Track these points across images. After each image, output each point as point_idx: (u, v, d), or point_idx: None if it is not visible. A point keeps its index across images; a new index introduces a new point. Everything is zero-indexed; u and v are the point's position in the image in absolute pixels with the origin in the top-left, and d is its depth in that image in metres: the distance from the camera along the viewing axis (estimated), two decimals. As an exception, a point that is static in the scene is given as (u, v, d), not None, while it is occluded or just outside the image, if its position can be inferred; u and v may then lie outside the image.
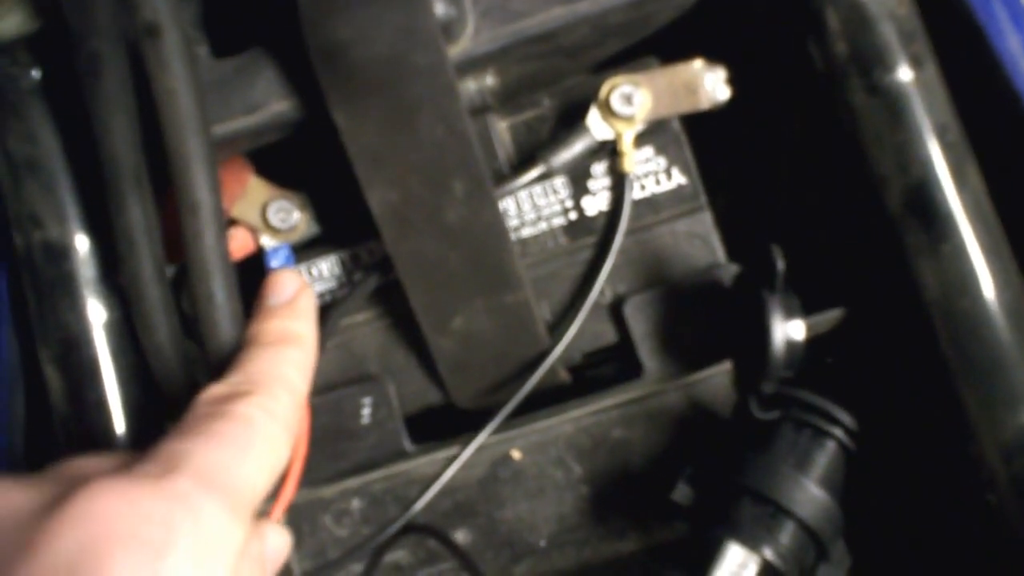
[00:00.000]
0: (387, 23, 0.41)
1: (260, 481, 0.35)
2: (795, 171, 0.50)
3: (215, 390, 0.37)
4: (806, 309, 0.43)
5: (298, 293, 0.42)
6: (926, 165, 0.42)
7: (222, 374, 0.39)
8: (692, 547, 0.42)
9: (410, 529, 0.48)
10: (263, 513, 0.39)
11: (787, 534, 0.41)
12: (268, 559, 0.38)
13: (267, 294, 0.42)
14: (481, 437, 0.47)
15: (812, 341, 0.43)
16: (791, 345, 0.42)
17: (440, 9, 0.41)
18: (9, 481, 0.32)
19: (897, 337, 0.44)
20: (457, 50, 0.43)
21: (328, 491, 0.49)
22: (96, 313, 0.45)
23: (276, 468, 0.36)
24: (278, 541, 0.39)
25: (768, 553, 0.40)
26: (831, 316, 0.45)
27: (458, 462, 0.47)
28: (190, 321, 0.47)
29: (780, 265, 0.41)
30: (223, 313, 0.41)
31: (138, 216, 0.41)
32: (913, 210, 0.42)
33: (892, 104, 0.42)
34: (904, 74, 0.42)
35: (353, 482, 0.49)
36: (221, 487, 0.33)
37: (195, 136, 0.39)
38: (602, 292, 0.48)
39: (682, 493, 0.43)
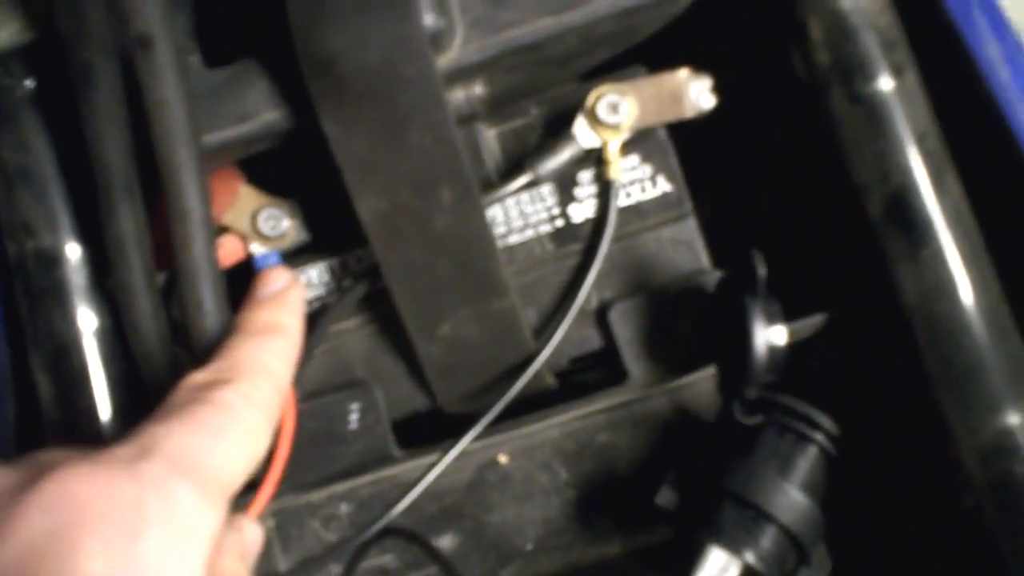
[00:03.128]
0: (376, 34, 0.41)
1: (237, 468, 0.35)
2: (779, 178, 0.51)
3: (196, 377, 0.37)
4: (789, 314, 0.43)
5: (287, 287, 0.42)
6: (906, 173, 0.42)
7: (205, 362, 0.38)
8: (675, 550, 0.42)
9: (389, 532, 0.48)
10: (242, 508, 0.39)
11: (768, 538, 0.41)
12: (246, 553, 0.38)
13: (257, 286, 0.42)
14: (465, 441, 0.47)
15: (795, 346, 0.43)
16: (773, 350, 0.43)
17: (429, 20, 0.42)
18: None
19: (878, 342, 0.44)
20: (446, 60, 0.43)
21: (316, 496, 0.49)
22: (87, 321, 0.46)
23: (254, 456, 0.36)
24: (253, 535, 0.39)
25: (749, 557, 0.41)
26: (813, 321, 0.45)
27: (441, 465, 0.47)
28: (180, 328, 0.47)
29: (761, 271, 0.41)
30: (212, 320, 0.41)
31: (129, 225, 0.42)
32: (893, 217, 0.42)
33: (873, 112, 0.43)
34: (885, 83, 0.43)
35: (340, 487, 0.49)
36: (195, 472, 0.33)
37: (185, 146, 0.40)
38: (588, 298, 0.48)
39: (665, 497, 0.44)
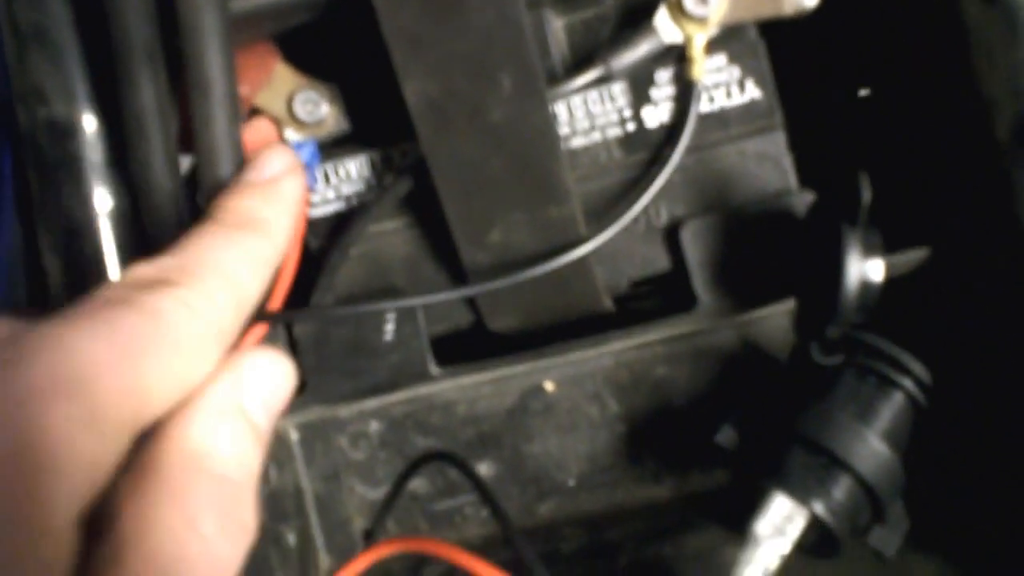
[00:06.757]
0: None
1: (150, 393, 0.27)
2: (884, 90, 0.46)
3: (137, 272, 0.29)
4: (886, 246, 0.39)
5: (282, 174, 0.35)
6: (1043, 89, 0.37)
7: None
8: (733, 496, 0.39)
9: (430, 457, 0.45)
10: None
11: (841, 489, 0.38)
12: (256, 400, 0.30)
13: (247, 168, 0.36)
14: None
15: (890, 283, 0.39)
16: (866, 287, 0.38)
17: None
18: None
19: (991, 283, 0.40)
20: (514, -73, 0.39)
21: (344, 411, 0.47)
22: (102, 200, 0.42)
23: (183, 381, 0.28)
24: (268, 370, 0.30)
25: (818, 507, 0.37)
26: (914, 256, 0.41)
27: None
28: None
29: (866, 195, 0.37)
30: None
31: (150, 96, 0.38)
32: None
33: (1011, 17, 0.37)
34: (1028, -18, 0.37)
35: (372, 403, 0.46)
36: (79, 391, 0.25)
37: (211, 9, 0.36)
38: (657, 214, 0.44)
39: (727, 436, 0.40)
